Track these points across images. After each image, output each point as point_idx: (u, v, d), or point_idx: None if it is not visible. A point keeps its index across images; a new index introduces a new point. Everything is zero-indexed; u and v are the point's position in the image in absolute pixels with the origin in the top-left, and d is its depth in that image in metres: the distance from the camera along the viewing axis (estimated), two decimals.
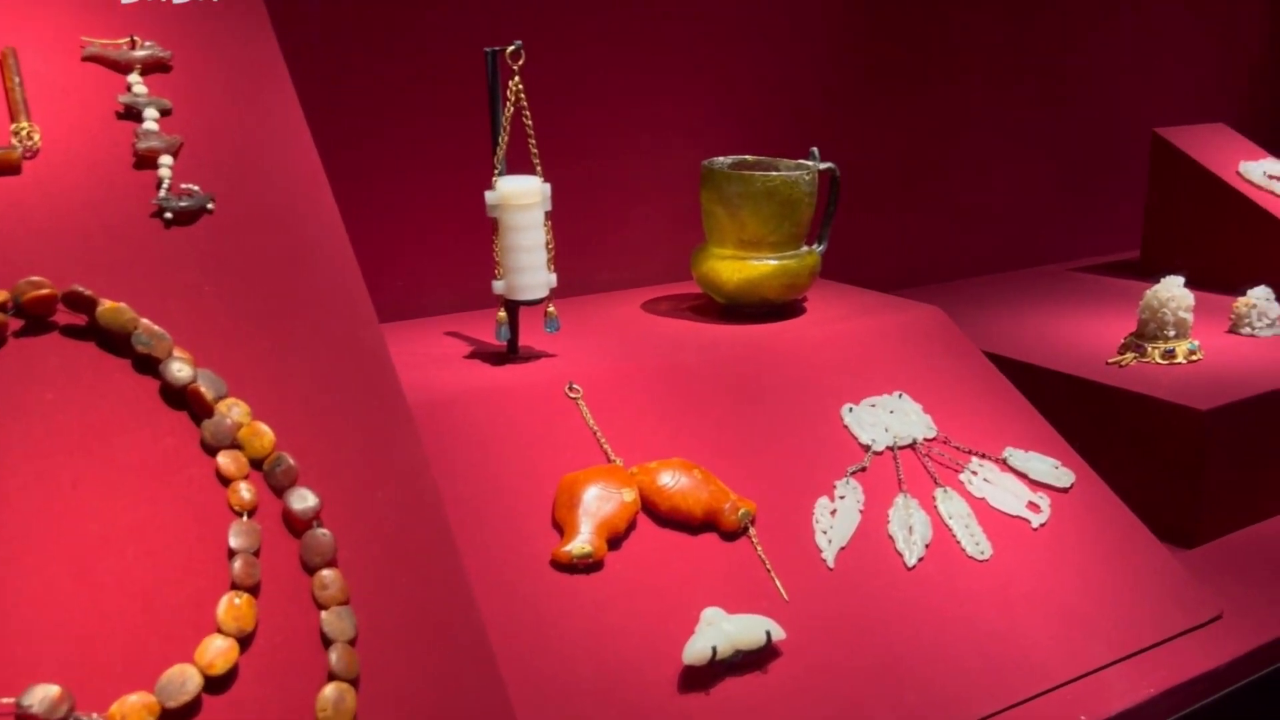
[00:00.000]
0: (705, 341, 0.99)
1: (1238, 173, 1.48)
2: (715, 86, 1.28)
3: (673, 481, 0.80)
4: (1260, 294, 1.23)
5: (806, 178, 1.03)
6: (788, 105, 1.35)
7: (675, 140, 1.24)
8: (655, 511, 0.79)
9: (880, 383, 0.97)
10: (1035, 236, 1.67)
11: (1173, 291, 1.13)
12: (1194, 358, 1.13)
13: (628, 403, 0.87)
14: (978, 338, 1.14)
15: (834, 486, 0.86)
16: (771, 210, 1.02)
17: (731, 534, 0.80)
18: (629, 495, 0.78)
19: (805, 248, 1.07)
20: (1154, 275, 1.23)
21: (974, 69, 1.54)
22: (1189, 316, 1.13)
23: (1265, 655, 0.86)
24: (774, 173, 1.02)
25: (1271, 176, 1.48)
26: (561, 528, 0.76)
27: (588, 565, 0.74)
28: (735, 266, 1.04)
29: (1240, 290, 1.25)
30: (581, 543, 0.74)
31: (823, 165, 1.08)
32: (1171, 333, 1.12)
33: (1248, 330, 1.22)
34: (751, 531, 0.80)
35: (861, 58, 1.42)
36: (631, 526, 0.78)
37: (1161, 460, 1.03)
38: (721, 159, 1.09)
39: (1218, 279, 1.40)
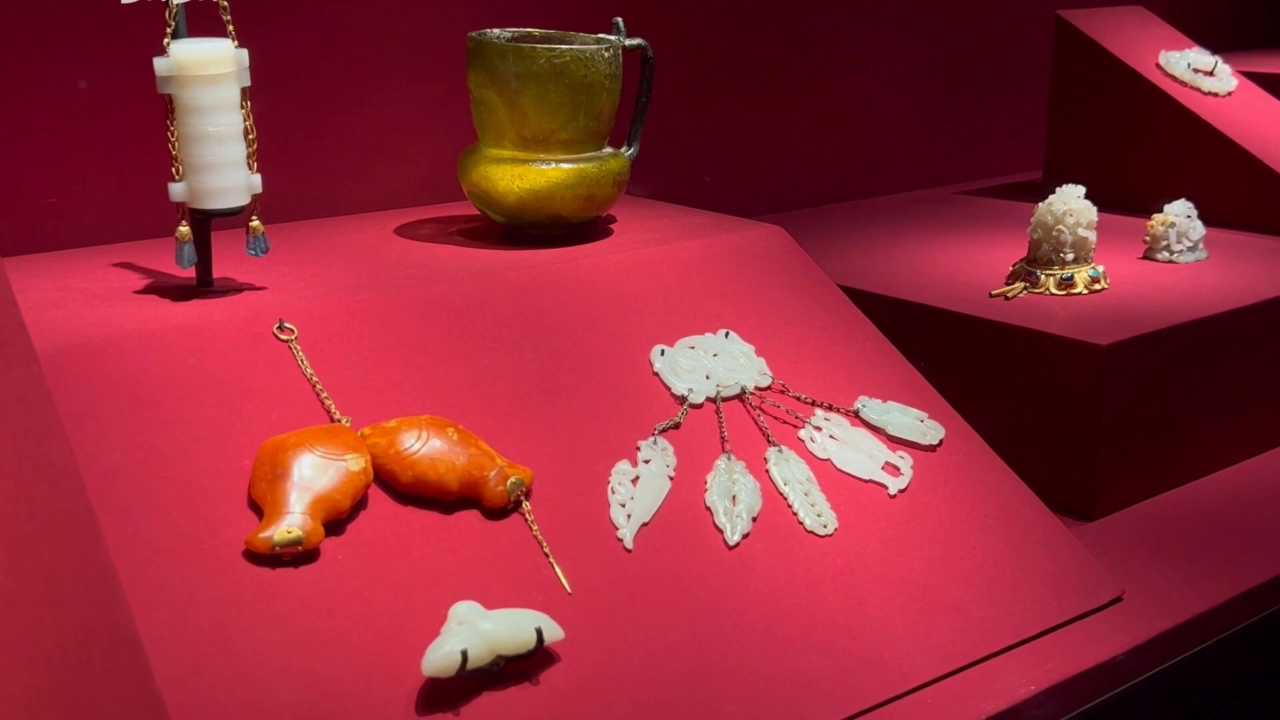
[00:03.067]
0: (475, 269, 0.98)
1: (1158, 65, 1.56)
2: None
3: (419, 445, 0.79)
4: (1179, 210, 1.30)
5: (607, 55, 1.04)
6: None
7: (442, 6, 1.23)
8: (394, 484, 0.78)
9: (702, 320, 0.99)
10: (917, 153, 1.73)
11: (1070, 204, 1.18)
12: (1097, 287, 1.18)
13: (361, 347, 0.86)
14: (836, 271, 1.17)
15: (637, 448, 0.87)
16: (561, 97, 1.02)
17: (497, 510, 0.79)
18: (356, 463, 0.76)
19: (609, 150, 1.07)
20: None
21: None
22: (1091, 235, 1.19)
23: (1171, 642, 0.91)
24: (564, 47, 1.02)
25: (1197, 70, 1.56)
26: (261, 507, 0.74)
27: (297, 555, 0.72)
28: (516, 172, 1.03)
29: (1157, 208, 1.32)
30: (288, 525, 0.72)
31: (630, 41, 1.08)
32: (1069, 256, 1.18)
33: (1165, 255, 1.29)
34: (525, 506, 0.80)
35: None
36: (360, 504, 0.76)
37: (1054, 411, 1.07)
38: (496, 30, 1.08)
39: (1135, 196, 1.48)
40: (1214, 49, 1.66)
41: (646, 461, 0.86)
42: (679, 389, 0.92)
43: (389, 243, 1.07)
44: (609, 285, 0.99)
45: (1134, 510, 1.09)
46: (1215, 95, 1.54)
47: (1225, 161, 1.46)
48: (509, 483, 0.79)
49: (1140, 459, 1.10)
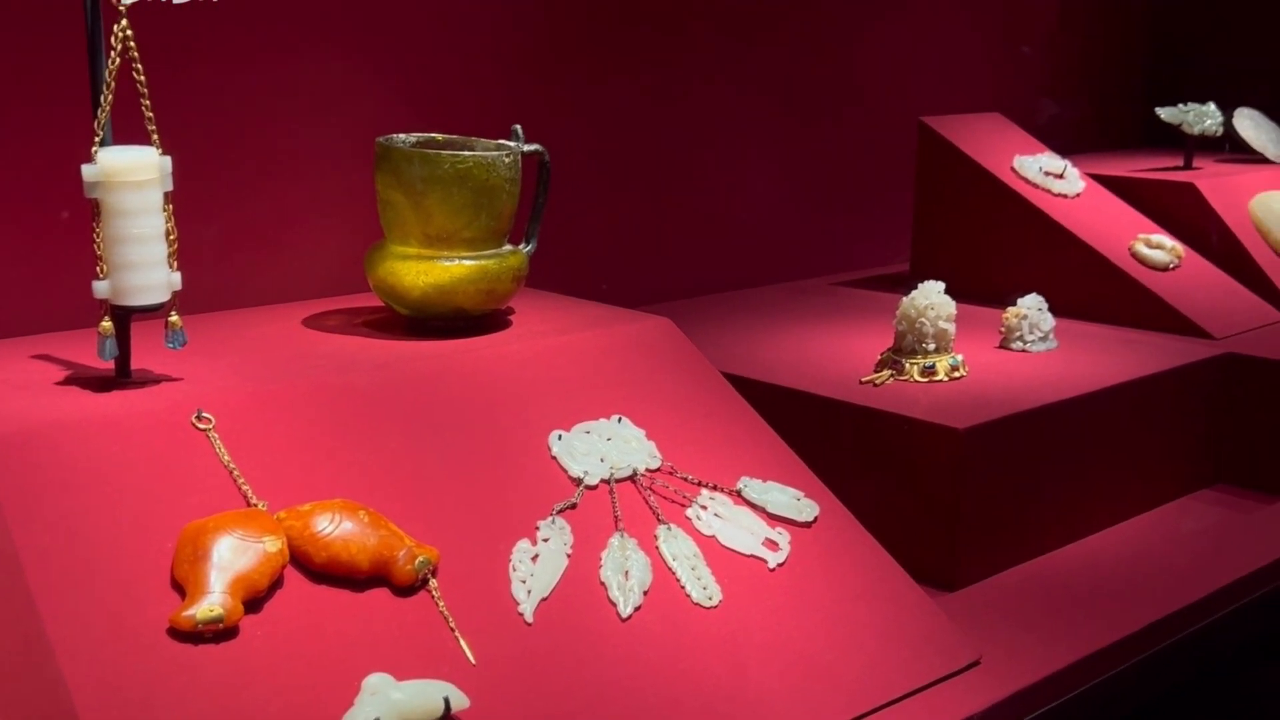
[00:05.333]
0: (382, 360, 1.03)
1: (1012, 168, 1.68)
2: (395, 45, 1.33)
3: (331, 527, 0.83)
4: (1031, 303, 1.40)
5: (507, 160, 1.10)
6: (491, 76, 1.42)
7: (348, 111, 1.28)
8: (308, 564, 0.82)
9: (597, 406, 1.04)
10: (793, 247, 1.82)
11: (931, 298, 1.27)
12: (957, 375, 1.27)
13: (275, 434, 0.90)
14: (719, 359, 1.23)
15: (537, 528, 0.92)
16: (464, 199, 1.08)
17: (406, 588, 0.83)
18: (273, 545, 0.80)
19: (509, 247, 1.13)
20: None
21: (714, 53, 1.67)
22: (950, 327, 1.28)
23: (1025, 700, 0.98)
24: (467, 153, 1.08)
25: (1048, 173, 1.69)
26: (184, 587, 0.77)
27: (218, 632, 0.75)
28: (420, 269, 1.08)
29: (1012, 301, 1.42)
30: (209, 604, 0.75)
31: (528, 147, 1.15)
32: (931, 346, 1.27)
33: (1019, 344, 1.39)
34: (432, 583, 0.84)
35: (583, 24, 1.51)
36: (277, 583, 0.80)
37: (918, 489, 1.15)
38: (402, 136, 1.14)
39: (992, 289, 1.57)
40: (1064, 152, 1.79)
41: (545, 540, 0.91)
42: (575, 471, 0.98)
43: (299, 334, 1.11)
44: (509, 374, 1.04)
45: (992, 581, 1.17)
46: (1065, 196, 1.66)
47: (1074, 258, 1.58)
48: (417, 562, 0.84)
49: (997, 533, 1.18)
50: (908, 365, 1.27)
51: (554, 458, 0.98)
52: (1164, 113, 1.81)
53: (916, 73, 1.96)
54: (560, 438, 1.00)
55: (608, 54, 1.57)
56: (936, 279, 1.29)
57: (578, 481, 0.97)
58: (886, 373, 1.27)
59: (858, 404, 1.19)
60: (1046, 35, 2.16)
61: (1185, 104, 1.82)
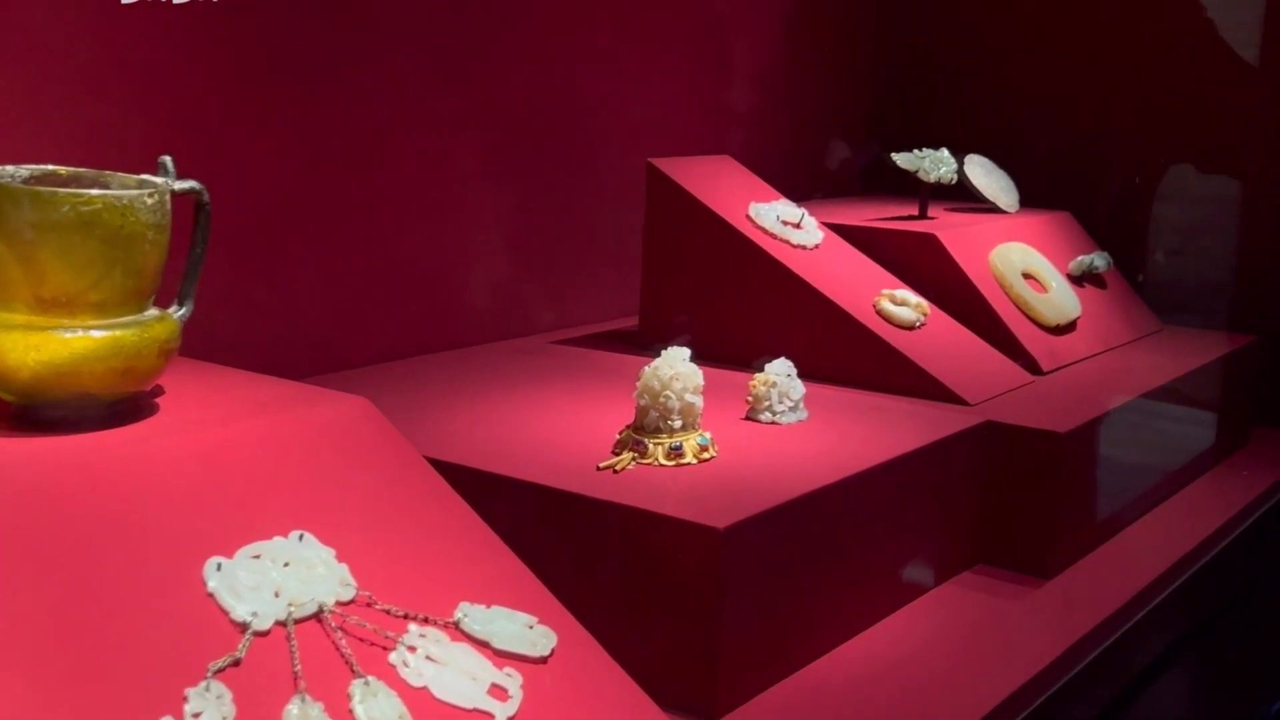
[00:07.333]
0: None
1: (748, 216, 1.55)
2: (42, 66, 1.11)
3: None
4: (780, 369, 1.27)
5: (149, 201, 0.88)
6: (131, 95, 1.20)
7: None
8: None
9: (270, 520, 0.84)
10: (509, 300, 1.66)
11: (677, 368, 1.12)
12: (706, 455, 1.12)
13: None
14: (428, 443, 1.06)
15: (185, 699, 0.70)
16: (92, 252, 0.85)
17: None
18: None
19: (154, 311, 0.91)
20: (654, 346, 1.22)
21: (422, 89, 1.50)
22: (698, 400, 1.13)
23: None
24: (95, 192, 0.85)
25: (785, 222, 1.57)
26: None
27: None
28: (31, 342, 0.85)
29: (758, 365, 1.29)
30: None
31: (180, 184, 0.93)
32: (677, 422, 1.11)
33: (767, 415, 1.26)
34: None
35: (249, 46, 1.32)
36: None
37: (672, 598, 0.99)
38: (11, 168, 0.90)
39: (733, 347, 1.46)
40: (797, 199, 1.69)
41: (196, 716, 0.69)
42: (239, 613, 0.76)
43: None
44: (151, 482, 0.82)
45: (759, 701, 1.02)
46: (804, 248, 1.55)
47: (818, 316, 1.47)
48: None
49: (761, 644, 1.03)
50: (651, 445, 1.11)
51: (211, 595, 0.77)
52: (900, 159, 1.74)
53: (645, 115, 1.84)
54: (220, 567, 0.78)
55: (300, 84, 1.37)
56: (666, 335, 1.16)
57: (243, 626, 0.76)
58: (628, 455, 1.10)
59: (597, 498, 1.03)
60: (774, 77, 2.08)
61: (921, 150, 1.75)
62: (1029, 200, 1.91)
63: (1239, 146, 1.93)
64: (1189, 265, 1.97)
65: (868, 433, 1.25)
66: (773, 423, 1.26)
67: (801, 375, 1.29)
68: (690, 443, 1.12)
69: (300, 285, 1.39)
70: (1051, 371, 1.57)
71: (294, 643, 0.77)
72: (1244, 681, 1.57)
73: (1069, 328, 1.67)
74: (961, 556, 1.32)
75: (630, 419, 1.15)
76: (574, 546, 1.02)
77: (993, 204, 1.85)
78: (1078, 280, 1.79)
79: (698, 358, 1.19)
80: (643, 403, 1.12)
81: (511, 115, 1.63)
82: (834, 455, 1.17)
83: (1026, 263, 1.68)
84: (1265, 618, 1.68)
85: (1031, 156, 2.02)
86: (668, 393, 1.11)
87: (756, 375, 1.28)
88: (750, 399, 1.27)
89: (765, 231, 1.54)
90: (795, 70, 2.13)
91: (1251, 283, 1.91)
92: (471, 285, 1.59)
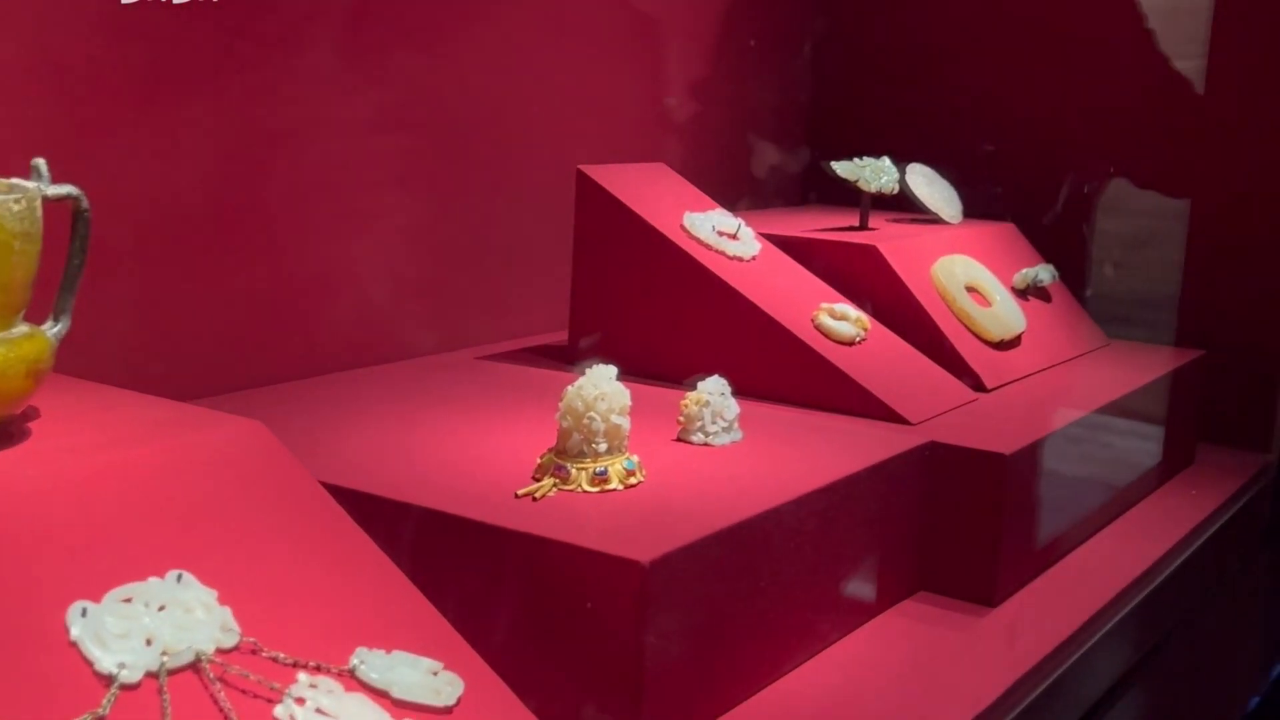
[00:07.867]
0: None
1: (683, 226, 1.49)
2: None
3: None
4: (713, 387, 1.21)
5: (17, 207, 0.81)
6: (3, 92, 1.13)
7: None
8: None
9: (144, 559, 0.76)
10: (429, 313, 1.58)
11: (602, 388, 1.05)
12: (632, 481, 1.06)
13: None
14: (328, 469, 1.00)
15: None
16: None
17: None
18: None
19: (24, 328, 0.84)
20: (582, 363, 1.16)
21: (333, 86, 1.43)
22: (625, 422, 1.06)
23: None
24: None
25: (721, 233, 1.51)
26: None
27: None
28: None
29: (690, 383, 1.23)
30: None
31: (53, 189, 0.86)
32: (602, 446, 1.05)
33: (700, 436, 1.19)
34: None
35: (136, 37, 1.24)
36: None
37: (592, 639, 0.92)
38: None
39: (665, 363, 1.40)
40: (734, 208, 1.63)
41: None
42: (106, 664, 0.69)
43: None
44: (13, 518, 0.74)
45: None
46: (740, 260, 1.49)
47: (754, 331, 1.41)
48: None
49: (688, 685, 0.97)
50: (574, 471, 1.04)
51: (74, 643, 0.69)
52: (839, 168, 1.68)
53: (576, 119, 1.77)
54: (84, 613, 0.71)
55: (194, 80, 1.29)
56: (596, 349, 1.09)
57: (109, 679, 0.68)
58: (549, 481, 1.04)
59: (513, 529, 0.95)
60: (707, 84, 2.02)
61: (861, 158, 1.70)
62: (972, 211, 1.87)
63: (1186, 157, 1.89)
64: (1135, 278, 1.94)
65: (805, 454, 1.19)
66: (705, 444, 1.19)
67: (736, 393, 1.22)
68: (616, 467, 1.05)
69: (193, 299, 1.30)
70: (996, 388, 1.52)
71: (166, 696, 0.69)
72: (1198, 707, 1.52)
73: (1013, 343, 1.62)
74: (903, 584, 1.26)
75: (553, 442, 1.09)
76: (486, 582, 0.95)
77: (935, 215, 1.80)
78: (1022, 294, 1.74)
79: (628, 374, 1.13)
80: (565, 425, 1.05)
81: (431, 118, 1.55)
82: (769, 479, 1.11)
83: (970, 276, 1.63)
84: (1217, 641, 1.64)
85: (974, 166, 1.97)
86: (592, 414, 1.04)
87: (689, 394, 1.21)
88: (682, 419, 1.21)
89: (700, 242, 1.48)
90: (733, 76, 2.07)
91: (1198, 296, 1.88)
92: (385, 298, 1.51)
